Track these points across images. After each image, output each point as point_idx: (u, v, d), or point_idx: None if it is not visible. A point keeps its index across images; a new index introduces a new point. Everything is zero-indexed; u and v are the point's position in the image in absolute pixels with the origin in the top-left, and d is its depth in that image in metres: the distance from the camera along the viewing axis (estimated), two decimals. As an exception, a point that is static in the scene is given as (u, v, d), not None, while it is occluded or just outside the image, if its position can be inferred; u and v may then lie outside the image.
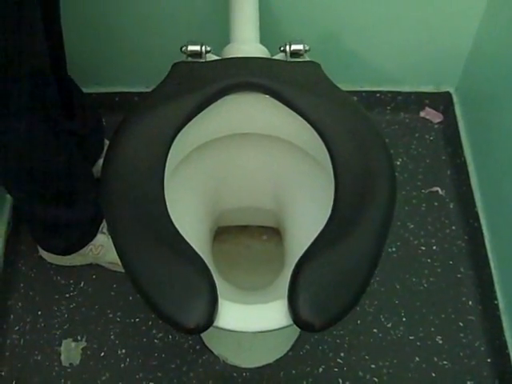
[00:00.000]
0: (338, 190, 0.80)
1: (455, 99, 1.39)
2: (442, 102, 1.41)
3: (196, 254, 0.74)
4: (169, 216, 0.77)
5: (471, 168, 1.30)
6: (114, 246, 0.76)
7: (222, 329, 0.72)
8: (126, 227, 0.76)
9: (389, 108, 1.43)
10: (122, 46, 1.26)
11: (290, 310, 0.71)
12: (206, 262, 0.74)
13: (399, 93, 1.40)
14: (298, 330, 0.72)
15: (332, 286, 0.72)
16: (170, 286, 0.71)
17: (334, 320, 0.71)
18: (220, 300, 0.71)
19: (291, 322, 0.71)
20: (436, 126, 1.42)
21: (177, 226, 0.76)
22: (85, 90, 1.23)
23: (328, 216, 0.77)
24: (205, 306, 0.70)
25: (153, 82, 0.92)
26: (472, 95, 1.33)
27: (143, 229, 0.76)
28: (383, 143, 0.86)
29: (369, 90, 1.39)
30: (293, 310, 0.70)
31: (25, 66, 0.83)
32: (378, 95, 1.40)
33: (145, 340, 1.16)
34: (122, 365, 1.14)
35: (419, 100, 1.42)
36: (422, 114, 1.43)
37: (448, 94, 1.40)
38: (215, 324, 0.71)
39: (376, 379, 1.13)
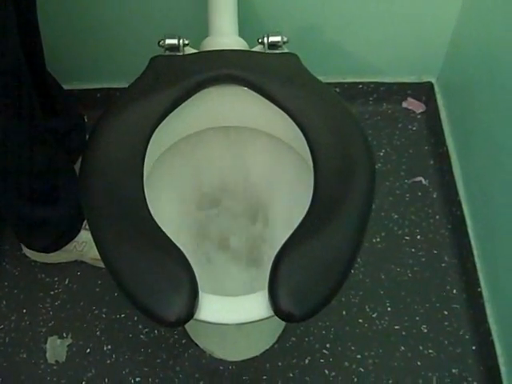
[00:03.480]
0: (317, 180, 0.80)
1: (437, 89, 1.39)
2: (424, 92, 1.42)
3: (176, 247, 0.74)
4: (148, 210, 0.77)
5: (454, 157, 1.30)
6: (94, 241, 0.76)
7: (202, 321, 0.72)
8: (105, 222, 0.76)
9: (371, 99, 1.43)
10: (100, 40, 1.26)
11: (271, 301, 0.71)
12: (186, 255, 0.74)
13: (381, 84, 1.41)
14: (283, 322, 0.72)
15: (312, 277, 0.72)
16: (149, 280, 0.71)
17: (315, 310, 0.71)
18: (200, 293, 0.71)
19: (272, 313, 0.71)
20: (418, 117, 1.43)
21: (157, 221, 0.76)
22: (66, 87, 1.23)
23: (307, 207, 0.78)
24: (185, 298, 0.70)
25: (135, 78, 0.92)
26: (453, 85, 1.33)
27: (122, 224, 0.76)
28: (362, 133, 0.86)
29: (351, 81, 1.40)
30: (273, 301, 0.70)
31: None
32: (360, 86, 1.41)
33: (130, 335, 1.16)
34: (108, 361, 1.14)
35: (401, 90, 1.42)
36: (405, 104, 1.44)
37: (430, 84, 1.40)
38: (196, 317, 0.71)
39: (362, 369, 1.13)
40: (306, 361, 1.14)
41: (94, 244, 0.77)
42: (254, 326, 0.75)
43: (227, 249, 1.05)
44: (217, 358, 1.13)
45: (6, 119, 0.89)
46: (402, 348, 1.15)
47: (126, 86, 0.91)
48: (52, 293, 1.20)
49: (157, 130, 0.84)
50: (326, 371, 1.13)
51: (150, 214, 0.77)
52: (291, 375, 1.12)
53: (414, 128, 1.41)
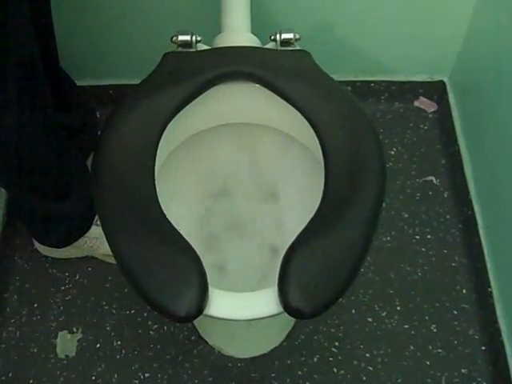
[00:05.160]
0: (327, 178, 0.80)
1: (449, 88, 1.39)
2: (436, 91, 1.41)
3: (186, 242, 0.74)
4: (159, 206, 0.77)
5: (465, 157, 1.30)
6: (105, 237, 0.77)
7: (212, 317, 0.72)
8: (116, 218, 0.77)
9: (383, 98, 1.43)
10: (113, 37, 1.26)
11: (280, 297, 0.71)
12: (196, 251, 0.74)
13: (393, 82, 1.40)
14: (292, 319, 0.72)
15: (322, 274, 0.72)
16: (160, 275, 0.72)
17: (324, 307, 0.71)
18: (210, 288, 0.72)
19: (281, 309, 0.71)
20: (430, 116, 1.42)
21: (167, 216, 0.77)
22: (78, 83, 1.23)
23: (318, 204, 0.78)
24: (195, 294, 0.70)
25: (147, 74, 0.92)
26: (465, 84, 1.33)
27: (133, 219, 0.76)
28: (374, 132, 0.86)
29: (363, 79, 1.39)
30: (283, 298, 0.70)
31: (11, 57, 0.83)
32: (372, 85, 1.40)
33: (140, 331, 1.16)
34: (118, 356, 1.14)
35: (413, 89, 1.42)
36: (417, 103, 1.43)
37: (442, 83, 1.40)
38: (205, 312, 0.71)
39: (371, 368, 1.13)
40: (315, 359, 1.14)
41: (105, 240, 0.77)
42: (263, 323, 0.76)
43: (236, 243, 1.05)
44: (226, 354, 1.13)
45: (21, 114, 0.90)
46: (411, 347, 1.15)
47: (139, 82, 0.91)
48: (63, 288, 1.21)
49: (168, 126, 0.85)
50: (335, 369, 1.13)
51: (161, 210, 0.77)
52: (300, 373, 1.13)
53: (426, 127, 1.41)
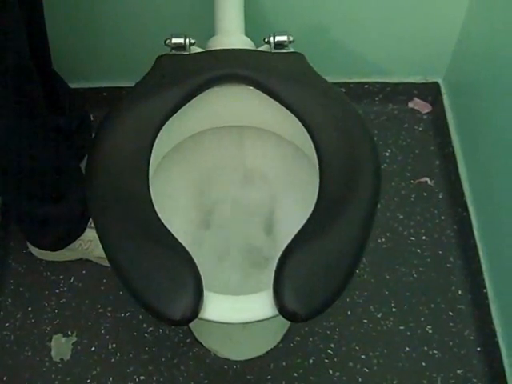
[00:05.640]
0: (322, 180, 0.80)
1: (443, 89, 1.39)
2: (431, 92, 1.41)
3: (181, 245, 0.74)
4: (153, 208, 0.77)
5: (460, 158, 1.30)
6: (99, 239, 0.77)
7: (207, 320, 0.72)
8: (111, 221, 0.77)
9: (377, 99, 1.43)
10: (106, 39, 1.26)
11: (276, 300, 0.71)
12: (191, 254, 0.74)
13: (387, 84, 1.40)
14: (287, 321, 0.72)
15: (317, 276, 0.72)
16: (155, 279, 0.72)
17: (319, 310, 0.71)
18: (205, 291, 0.71)
19: (277, 312, 0.71)
20: (425, 117, 1.43)
21: (163, 220, 0.77)
22: (72, 86, 1.23)
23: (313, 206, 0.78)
24: (190, 297, 0.70)
25: (141, 77, 0.92)
26: (460, 85, 1.33)
27: (128, 222, 0.76)
28: (368, 133, 0.86)
29: (357, 81, 1.39)
30: (278, 301, 0.71)
31: (4, 61, 0.83)
32: (366, 86, 1.40)
33: (135, 334, 1.16)
34: (113, 359, 1.14)
35: (407, 91, 1.42)
36: (411, 104, 1.44)
37: (436, 85, 1.40)
38: (200, 315, 0.71)
39: (366, 369, 1.13)
40: (311, 361, 1.14)
41: (99, 242, 0.77)
42: (258, 326, 0.75)
43: (228, 252, 1.04)
44: (221, 357, 1.13)
45: (14, 117, 0.90)
46: (407, 348, 1.15)
47: (132, 84, 0.91)
48: (57, 291, 1.20)
49: (163, 128, 0.85)
50: (331, 371, 1.13)
51: (155, 212, 0.77)
52: (295, 375, 1.12)
53: (420, 128, 1.41)
